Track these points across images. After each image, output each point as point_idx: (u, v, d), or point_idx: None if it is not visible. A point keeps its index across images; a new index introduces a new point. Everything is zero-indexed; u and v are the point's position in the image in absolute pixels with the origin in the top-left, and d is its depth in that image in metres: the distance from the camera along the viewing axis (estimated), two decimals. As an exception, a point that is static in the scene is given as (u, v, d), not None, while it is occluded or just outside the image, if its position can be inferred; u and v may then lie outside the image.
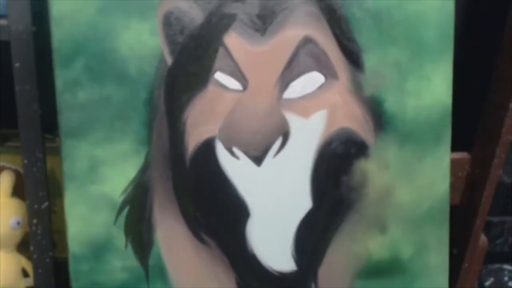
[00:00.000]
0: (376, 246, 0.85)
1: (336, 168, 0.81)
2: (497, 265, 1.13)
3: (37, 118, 0.82)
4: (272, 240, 0.82)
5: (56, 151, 0.80)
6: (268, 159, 0.79)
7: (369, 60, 0.79)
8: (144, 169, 0.79)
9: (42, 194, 0.86)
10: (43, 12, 0.76)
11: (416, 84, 0.81)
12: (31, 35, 0.79)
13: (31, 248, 0.88)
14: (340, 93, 0.79)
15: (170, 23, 0.76)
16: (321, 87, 0.79)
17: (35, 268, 0.89)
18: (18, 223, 0.92)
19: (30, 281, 0.93)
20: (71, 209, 0.79)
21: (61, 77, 0.75)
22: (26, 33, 0.79)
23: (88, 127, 0.77)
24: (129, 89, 0.76)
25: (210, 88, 0.77)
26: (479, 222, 0.93)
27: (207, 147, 0.79)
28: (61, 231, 0.82)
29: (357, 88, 0.80)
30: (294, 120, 0.79)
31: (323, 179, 0.81)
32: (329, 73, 0.79)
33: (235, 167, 0.79)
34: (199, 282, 0.83)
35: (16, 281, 0.94)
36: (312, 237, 0.83)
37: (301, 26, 0.77)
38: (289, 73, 0.78)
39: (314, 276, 0.85)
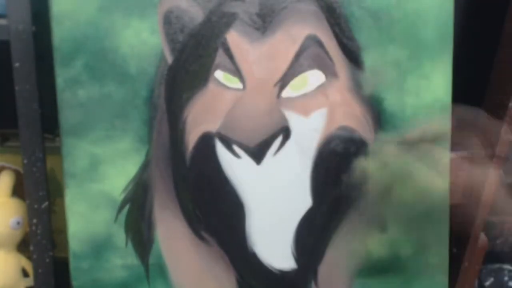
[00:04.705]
0: (375, 245, 0.85)
1: (335, 166, 0.81)
2: (497, 265, 1.12)
3: (37, 118, 0.82)
4: (272, 238, 0.82)
5: (56, 151, 0.80)
6: (268, 157, 0.79)
7: (369, 58, 0.80)
8: (144, 167, 0.79)
9: (42, 194, 0.86)
10: (43, 11, 0.76)
11: (416, 82, 0.81)
12: (31, 35, 0.79)
13: (31, 248, 0.88)
14: (340, 91, 0.80)
15: (170, 21, 0.76)
16: (321, 85, 0.79)
17: (35, 268, 0.89)
18: (18, 223, 0.92)
19: (30, 281, 0.93)
20: (72, 207, 0.79)
21: (61, 76, 0.76)
22: (26, 33, 0.79)
23: (88, 126, 0.77)
24: (129, 87, 0.77)
25: (210, 86, 0.78)
26: (479, 221, 0.93)
27: (207, 146, 0.79)
28: (61, 231, 0.82)
29: (356, 86, 0.80)
30: (294, 119, 0.79)
31: (323, 177, 0.81)
32: (329, 71, 0.79)
33: (235, 165, 0.79)
34: (199, 280, 0.83)
35: (16, 281, 0.93)
36: (312, 236, 0.83)
37: (301, 25, 0.78)
38: (290, 71, 0.78)
39: (314, 274, 0.85)
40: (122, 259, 0.81)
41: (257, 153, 0.79)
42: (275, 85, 0.78)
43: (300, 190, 0.82)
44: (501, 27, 0.88)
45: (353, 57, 0.79)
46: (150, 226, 0.81)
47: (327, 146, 0.80)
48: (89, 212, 0.79)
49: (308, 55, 0.78)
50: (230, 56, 0.77)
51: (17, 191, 0.93)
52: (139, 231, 0.81)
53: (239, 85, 0.78)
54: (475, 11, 0.93)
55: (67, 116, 0.77)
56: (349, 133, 0.80)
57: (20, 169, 0.93)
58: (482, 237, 0.95)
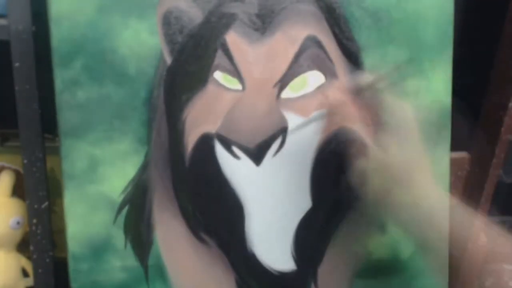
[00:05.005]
0: (375, 246, 0.85)
1: (335, 167, 0.81)
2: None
3: (37, 118, 0.82)
4: (271, 240, 0.82)
5: (56, 151, 0.80)
6: (268, 158, 0.79)
7: (368, 59, 0.79)
8: (144, 169, 0.79)
9: (42, 194, 0.86)
10: (43, 12, 0.76)
11: (415, 83, 0.81)
12: (31, 35, 0.79)
13: (31, 248, 0.88)
14: (340, 92, 0.79)
15: (169, 22, 0.76)
16: (320, 86, 0.79)
17: (35, 268, 0.89)
18: (18, 223, 0.92)
19: (30, 281, 0.93)
20: (71, 208, 0.79)
21: (60, 77, 0.76)
22: (26, 33, 0.79)
23: (87, 127, 0.77)
24: (128, 88, 0.77)
25: (210, 87, 0.78)
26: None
27: (207, 147, 0.79)
28: (61, 231, 0.82)
29: (356, 87, 0.80)
30: (293, 119, 0.79)
31: (322, 178, 0.81)
32: (329, 72, 0.79)
33: (235, 166, 0.79)
34: (199, 281, 0.83)
35: (16, 281, 0.93)
36: (312, 237, 0.83)
37: (300, 26, 0.78)
38: (290, 72, 0.78)
39: (313, 275, 0.85)
40: (121, 261, 0.81)
41: (257, 154, 0.79)
42: (274, 86, 0.78)
43: (300, 191, 0.81)
44: (501, 27, 0.88)
45: (353, 57, 0.79)
46: (149, 227, 0.81)
47: (326, 147, 0.80)
48: (88, 213, 0.79)
49: (307, 56, 0.78)
50: (230, 57, 0.77)
51: (17, 191, 0.94)
52: (138, 233, 0.81)
53: (238, 86, 0.78)
54: (475, 11, 0.93)
55: (66, 117, 0.77)
56: (348, 134, 0.80)
57: (20, 169, 0.93)
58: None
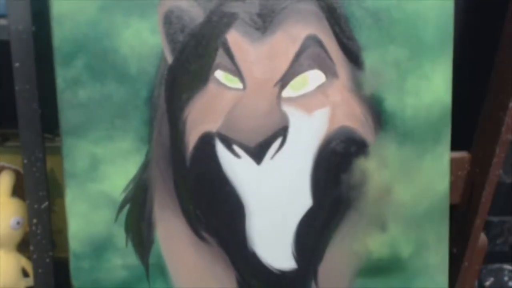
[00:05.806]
0: (376, 245, 0.85)
1: (336, 166, 0.81)
2: (497, 265, 1.13)
3: (37, 118, 0.82)
4: (272, 238, 0.82)
5: (56, 151, 0.80)
6: (268, 157, 0.79)
7: (369, 58, 0.79)
8: (145, 167, 0.79)
9: (42, 194, 0.86)
10: (43, 11, 0.76)
11: (416, 83, 0.81)
12: (31, 35, 0.79)
13: (31, 248, 0.88)
14: (340, 91, 0.80)
15: (170, 21, 0.76)
16: (321, 85, 0.79)
17: (35, 268, 0.89)
18: (18, 223, 0.92)
19: (30, 281, 0.93)
20: (72, 207, 0.79)
21: (61, 76, 0.76)
22: (26, 33, 0.79)
23: (88, 126, 0.77)
24: (129, 87, 0.77)
25: (211, 86, 0.78)
26: (479, 221, 0.93)
27: (207, 146, 0.79)
28: (61, 231, 0.82)
29: (357, 86, 0.80)
30: (294, 119, 0.79)
31: (323, 177, 0.81)
32: (330, 71, 0.79)
33: (236, 165, 0.79)
34: (200, 280, 0.83)
35: (16, 281, 0.93)
36: (312, 235, 0.83)
37: (301, 25, 0.78)
38: (290, 71, 0.78)
39: (314, 274, 0.85)
40: (122, 259, 0.81)
41: (257, 153, 0.79)
42: (275, 85, 0.78)
43: (300, 190, 0.81)
44: (501, 27, 0.88)
45: (353, 57, 0.79)
46: (150, 226, 0.81)
47: (327, 146, 0.80)
48: (89, 212, 0.79)
49: (308, 55, 0.78)
50: (231, 56, 0.77)
51: (17, 191, 0.94)
52: (139, 231, 0.81)
53: (239, 85, 0.78)
54: (475, 11, 0.93)
55: (67, 116, 0.77)
56: (349, 133, 0.80)
57: (20, 169, 0.93)
58: (482, 237, 0.96)
